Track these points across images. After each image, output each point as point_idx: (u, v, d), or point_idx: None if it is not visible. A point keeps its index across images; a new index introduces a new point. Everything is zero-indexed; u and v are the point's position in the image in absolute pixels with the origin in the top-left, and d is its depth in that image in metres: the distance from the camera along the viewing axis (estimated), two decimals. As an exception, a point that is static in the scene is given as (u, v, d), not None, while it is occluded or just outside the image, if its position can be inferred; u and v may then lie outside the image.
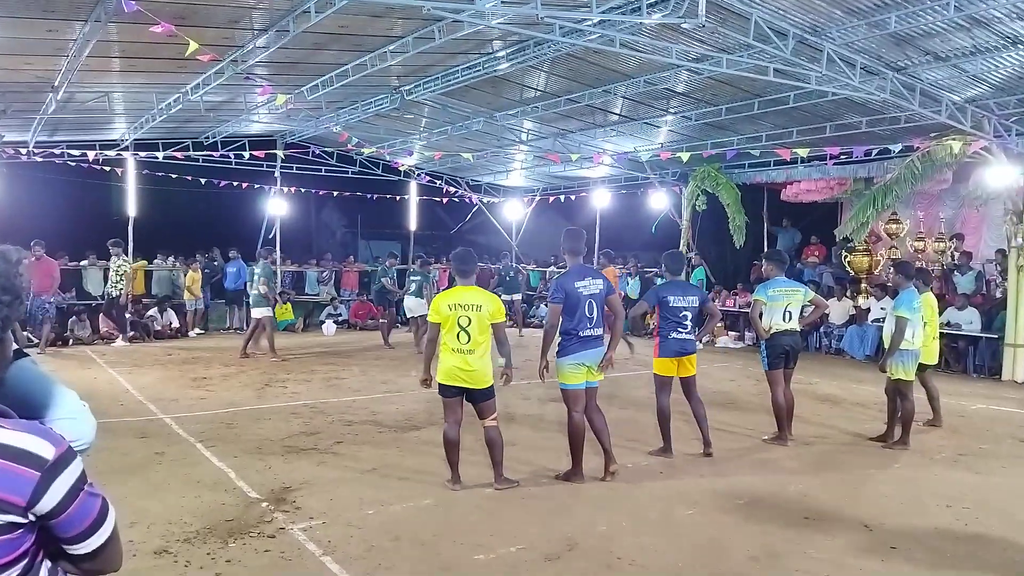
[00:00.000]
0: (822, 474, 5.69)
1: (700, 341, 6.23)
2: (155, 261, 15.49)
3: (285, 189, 16.84)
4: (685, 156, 12.17)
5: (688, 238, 15.59)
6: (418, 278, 12.19)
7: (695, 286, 6.48)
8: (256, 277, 11.03)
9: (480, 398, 5.00)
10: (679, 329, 5.97)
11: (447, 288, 5.65)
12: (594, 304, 5.22)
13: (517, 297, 15.45)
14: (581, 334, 5.18)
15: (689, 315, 5.99)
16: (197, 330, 14.73)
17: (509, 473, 5.29)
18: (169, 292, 15.17)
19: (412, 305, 12.17)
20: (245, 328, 15.43)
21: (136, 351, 12.17)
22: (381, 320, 13.15)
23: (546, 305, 17.88)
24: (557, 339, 5.28)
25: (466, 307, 4.94)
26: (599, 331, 5.28)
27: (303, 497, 4.91)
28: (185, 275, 15.47)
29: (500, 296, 15.20)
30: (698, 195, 15.06)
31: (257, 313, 11.15)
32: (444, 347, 4.99)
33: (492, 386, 5.02)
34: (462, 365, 4.91)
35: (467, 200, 19.42)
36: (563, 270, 5.99)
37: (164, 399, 8.12)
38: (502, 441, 5.12)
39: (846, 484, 5.46)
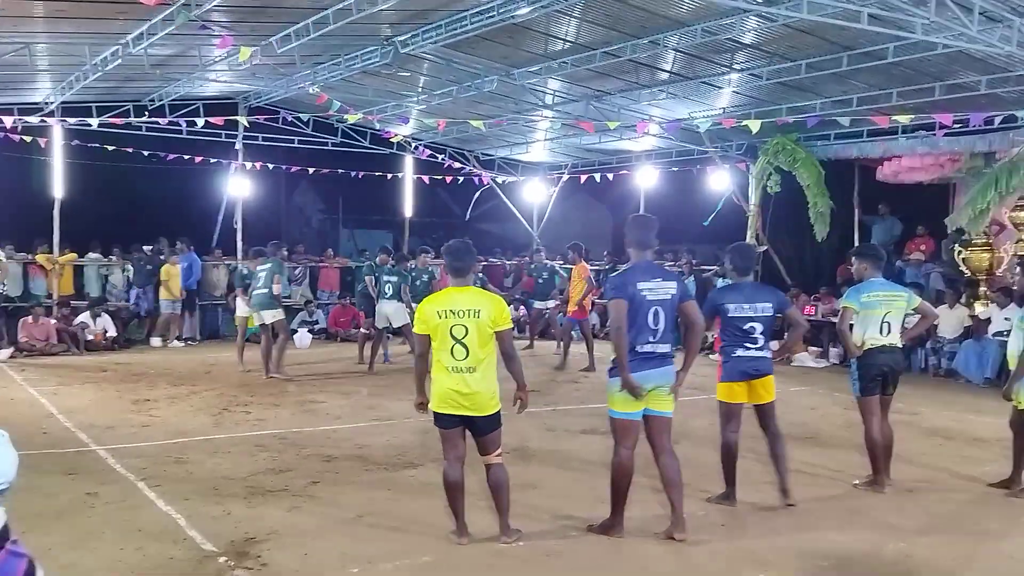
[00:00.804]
0: (929, 530, 5.63)
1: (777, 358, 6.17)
2: (89, 255, 15.64)
3: (248, 165, 16.98)
4: (754, 125, 12.12)
5: (756, 228, 15.53)
6: (394, 278, 12.26)
7: (770, 289, 6.38)
8: (265, 275, 11.20)
9: (484, 428, 5.00)
10: (745, 345, 5.90)
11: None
12: (661, 313, 5.14)
13: (552, 305, 15.23)
14: (640, 349, 5.11)
15: (759, 327, 5.91)
16: (179, 341, 14.91)
17: (525, 523, 5.30)
18: (100, 292, 15.32)
19: (390, 311, 12.25)
20: (199, 339, 15.59)
21: (63, 366, 12.30)
22: (362, 331, 13.13)
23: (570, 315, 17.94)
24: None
25: (460, 313, 4.91)
26: (666, 347, 5.20)
27: (271, 551, 4.93)
28: (122, 269, 15.62)
29: (532, 304, 15.17)
30: (770, 173, 15.00)
31: (269, 317, 11.30)
32: (437, 365, 4.98)
33: (499, 413, 5.01)
34: (460, 387, 4.90)
35: (476, 180, 19.44)
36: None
37: (98, 426, 8.18)
38: (508, 483, 5.11)
39: (960, 543, 5.39)
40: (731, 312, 5.92)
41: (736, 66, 11.84)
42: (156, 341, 14.87)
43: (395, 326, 12.39)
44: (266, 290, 11.18)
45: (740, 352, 5.91)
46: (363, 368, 12.34)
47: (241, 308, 12.31)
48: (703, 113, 13.95)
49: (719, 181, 16.01)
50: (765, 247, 15.63)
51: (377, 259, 13.61)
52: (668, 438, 5.27)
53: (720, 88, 12.96)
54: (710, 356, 13.41)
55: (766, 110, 13.15)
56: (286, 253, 12.43)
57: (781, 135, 14.43)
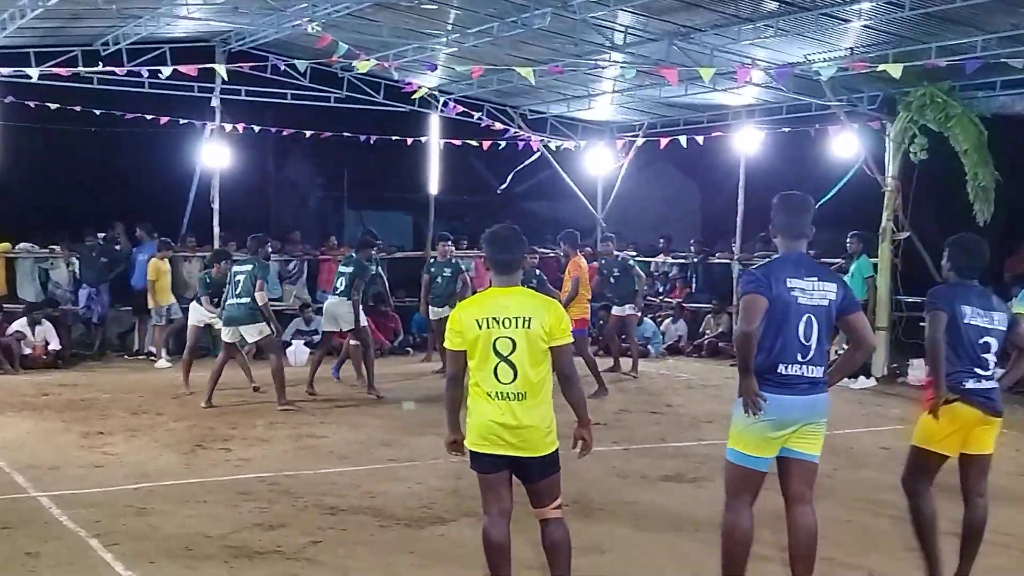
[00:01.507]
0: None
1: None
2: (21, 245, 15.94)
3: (228, 126, 17.15)
4: (894, 70, 11.91)
5: (895, 208, 15.30)
6: (348, 270, 12.36)
7: (997, 297, 5.99)
8: (244, 280, 11.23)
9: (538, 473, 5.00)
10: (976, 371, 5.61)
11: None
12: (814, 323, 5.03)
13: (630, 311, 15.19)
14: (784, 371, 5.03)
15: (994, 344, 5.65)
16: (164, 359, 14.99)
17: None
18: (35, 295, 15.59)
19: (338, 312, 12.39)
20: (160, 354, 15.83)
21: (-7, 388, 12.56)
22: (352, 341, 13.13)
23: (656, 320, 17.85)
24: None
25: (506, 322, 4.93)
26: (818, 371, 5.08)
27: (260, 631, 4.99)
28: (67, 262, 15.88)
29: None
30: (914, 135, 14.75)
31: (252, 334, 11.42)
32: (476, 391, 5.00)
33: (557, 452, 5.02)
34: (506, 419, 4.90)
35: (521, 145, 19.42)
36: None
37: (39, 466, 8.33)
38: (571, 545, 5.08)
39: None
40: (967, 317, 5.60)
41: (869, -8, 11.69)
42: (162, 363, 14.85)
43: (344, 330, 12.63)
44: (246, 299, 11.18)
45: (971, 383, 5.57)
46: (371, 393, 12.38)
47: (196, 314, 12.41)
48: (824, 55, 13.78)
49: (845, 146, 15.77)
50: (907, 233, 15.41)
51: (363, 244, 13.75)
52: (810, 490, 5.18)
53: (847, 22, 12.77)
54: (853, 386, 13.35)
55: (909, 51, 12.93)
56: (270, 250, 12.51)
57: (929, 84, 14.18)
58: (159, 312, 15.16)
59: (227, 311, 11.42)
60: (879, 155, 15.54)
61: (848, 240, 15.04)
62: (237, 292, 11.27)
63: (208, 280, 12.27)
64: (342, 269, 12.58)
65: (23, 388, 12.51)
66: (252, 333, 11.39)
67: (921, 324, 15.13)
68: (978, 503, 5.81)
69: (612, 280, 14.79)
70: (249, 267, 11.31)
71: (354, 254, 12.72)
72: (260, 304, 11.20)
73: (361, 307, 12.44)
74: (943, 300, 5.62)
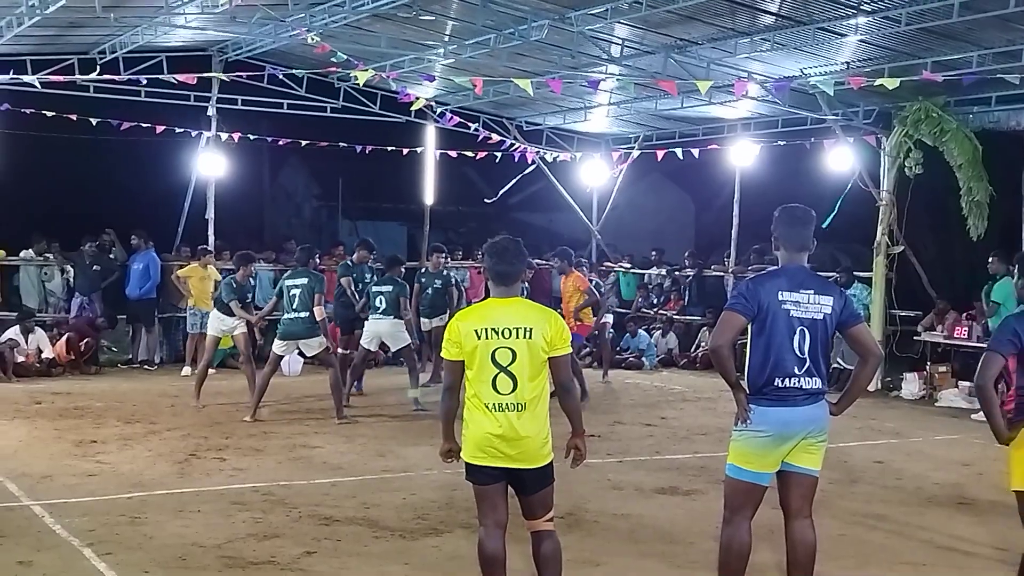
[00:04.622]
0: None
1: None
2: (24, 253, 15.87)
3: (223, 136, 17.14)
4: (890, 84, 11.97)
5: (890, 222, 15.34)
6: (389, 288, 12.21)
7: None
8: (300, 294, 11.09)
9: (533, 485, 5.01)
10: None
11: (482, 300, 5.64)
12: (808, 336, 5.06)
13: (607, 320, 15.45)
14: (779, 383, 5.05)
15: None
16: (187, 368, 14.83)
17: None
18: (38, 303, 15.58)
19: (384, 331, 12.34)
20: (159, 362, 15.76)
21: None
22: (341, 351, 13.07)
23: (650, 332, 17.86)
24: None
25: (506, 333, 4.93)
26: (816, 383, 5.11)
27: (254, 642, 4.97)
28: (61, 270, 15.85)
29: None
30: (908, 150, 14.79)
31: (314, 347, 11.31)
32: (473, 402, 5.00)
33: (551, 465, 5.01)
34: (504, 431, 4.90)
35: (517, 155, 19.41)
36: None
37: (31, 475, 8.30)
38: (561, 558, 5.09)
39: None
40: None
41: (865, 6, 11.72)
42: (187, 370, 14.71)
43: (393, 349, 12.76)
44: (305, 313, 11.07)
45: None
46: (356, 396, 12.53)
47: (217, 323, 12.20)
48: (820, 69, 13.82)
49: (840, 159, 15.82)
50: (901, 247, 15.45)
51: (353, 256, 13.67)
52: (809, 504, 5.19)
53: (843, 36, 12.81)
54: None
55: (905, 65, 12.97)
56: (318, 261, 12.46)
57: (924, 99, 14.23)
58: (195, 316, 15.07)
59: (284, 326, 11.27)
60: (874, 169, 15.58)
61: (989, 260, 13.85)
62: (294, 306, 11.10)
63: (234, 285, 12.03)
64: (380, 289, 12.28)
65: (15, 396, 12.46)
66: (312, 347, 11.28)
67: (915, 338, 15.11)
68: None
69: (430, 292, 14.49)
70: (304, 280, 11.14)
71: (384, 274, 12.62)
72: (319, 318, 11.12)
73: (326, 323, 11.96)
74: (1002, 337, 5.16)
